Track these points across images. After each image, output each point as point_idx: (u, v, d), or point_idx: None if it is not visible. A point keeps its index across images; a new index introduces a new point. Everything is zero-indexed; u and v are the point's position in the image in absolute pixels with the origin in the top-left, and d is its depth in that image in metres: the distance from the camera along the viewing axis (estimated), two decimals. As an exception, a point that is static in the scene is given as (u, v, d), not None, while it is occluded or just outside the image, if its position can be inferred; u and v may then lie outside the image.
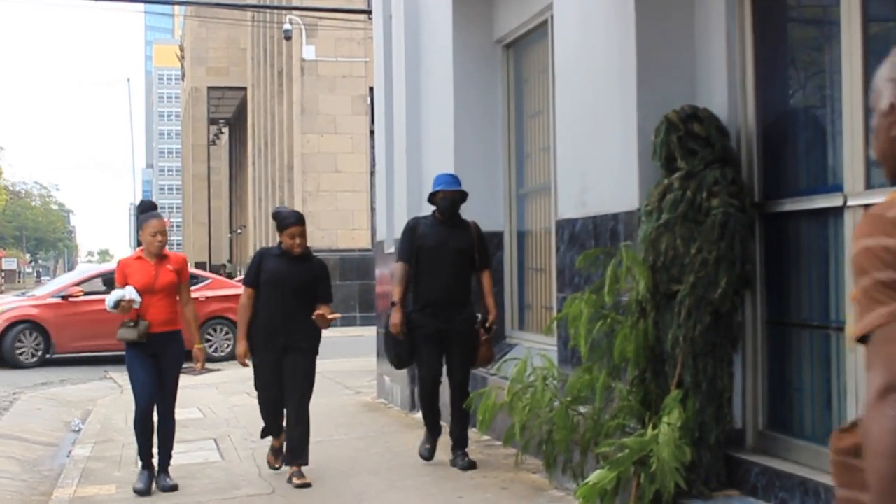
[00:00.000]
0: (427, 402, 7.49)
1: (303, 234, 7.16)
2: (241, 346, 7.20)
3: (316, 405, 7.16)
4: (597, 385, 5.47)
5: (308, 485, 6.99)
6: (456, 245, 7.33)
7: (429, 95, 9.80)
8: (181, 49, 66.27)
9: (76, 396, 13.10)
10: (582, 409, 5.66)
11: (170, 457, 7.26)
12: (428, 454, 7.50)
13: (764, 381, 5.30)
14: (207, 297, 17.80)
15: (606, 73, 6.11)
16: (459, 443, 7.37)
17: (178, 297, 7.18)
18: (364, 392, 11.88)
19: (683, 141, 5.25)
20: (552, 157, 7.46)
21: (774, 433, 5.20)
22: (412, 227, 7.53)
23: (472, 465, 7.23)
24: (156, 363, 7.07)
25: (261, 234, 41.89)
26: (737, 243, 5.05)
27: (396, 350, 7.45)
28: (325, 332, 7.22)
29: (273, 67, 39.53)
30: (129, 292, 6.91)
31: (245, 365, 7.28)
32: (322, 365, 7.03)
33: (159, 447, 7.17)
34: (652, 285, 5.22)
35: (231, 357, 16.84)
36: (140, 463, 7.23)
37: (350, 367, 14.19)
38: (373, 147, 15.13)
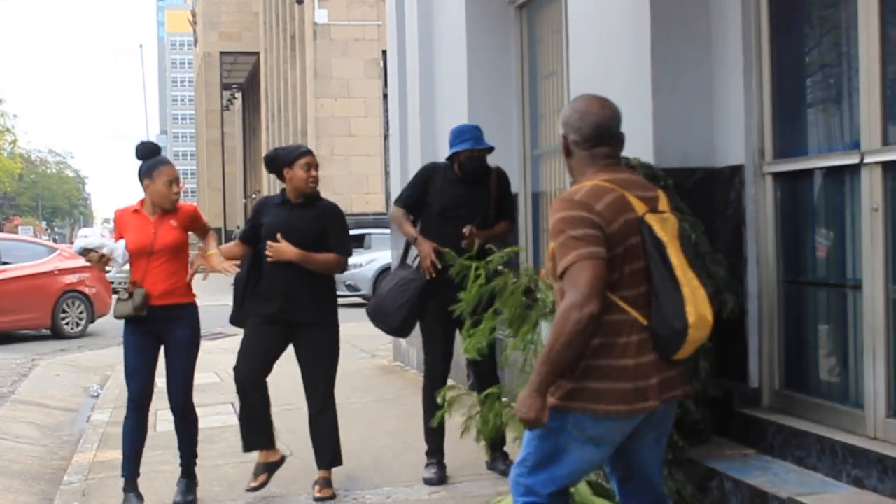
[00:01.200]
0: (428, 408, 5.99)
1: (318, 167, 5.80)
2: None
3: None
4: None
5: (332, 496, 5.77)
6: (474, 209, 6.08)
7: (442, 57, 9.75)
8: (193, 14, 66.10)
9: (94, 362, 13.19)
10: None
11: (194, 462, 5.89)
12: (437, 478, 6.02)
13: (780, 341, 5.28)
14: (60, 270, 16.20)
15: (620, 32, 6.05)
16: (497, 442, 5.95)
17: (187, 261, 5.73)
18: (380, 355, 11.93)
19: None
20: (566, 118, 7.39)
21: (791, 392, 5.19)
22: (430, 173, 6.26)
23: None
24: (157, 345, 5.69)
25: (275, 199, 41.92)
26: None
27: (384, 316, 6.06)
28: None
29: (285, 31, 39.40)
30: (111, 246, 5.55)
31: None
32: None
33: (179, 449, 5.87)
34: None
35: (83, 334, 16.40)
36: (123, 478, 5.73)
37: (365, 330, 14.09)
38: (386, 110, 15.05)
